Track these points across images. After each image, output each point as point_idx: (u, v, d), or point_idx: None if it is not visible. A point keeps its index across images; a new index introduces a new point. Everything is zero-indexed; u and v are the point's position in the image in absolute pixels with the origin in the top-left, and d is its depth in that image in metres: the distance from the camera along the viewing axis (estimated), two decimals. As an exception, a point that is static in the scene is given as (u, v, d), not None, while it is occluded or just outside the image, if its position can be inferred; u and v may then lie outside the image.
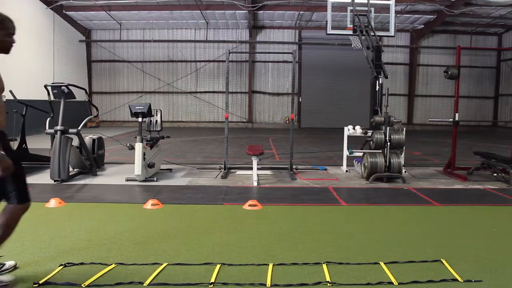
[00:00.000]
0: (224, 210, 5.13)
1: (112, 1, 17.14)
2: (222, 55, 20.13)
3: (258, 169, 7.04)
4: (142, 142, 6.67)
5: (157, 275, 3.07)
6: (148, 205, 5.11)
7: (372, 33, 8.39)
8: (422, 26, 19.78)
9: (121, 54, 20.80)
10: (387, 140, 6.90)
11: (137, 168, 6.55)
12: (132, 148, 6.94)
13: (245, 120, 20.90)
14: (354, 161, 7.92)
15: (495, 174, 7.14)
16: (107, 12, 18.02)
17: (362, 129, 7.97)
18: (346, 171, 7.92)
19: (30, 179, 6.76)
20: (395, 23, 9.25)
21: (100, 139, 7.89)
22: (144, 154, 6.68)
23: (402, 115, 20.73)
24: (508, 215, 5.09)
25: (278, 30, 20.55)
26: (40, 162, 7.67)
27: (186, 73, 20.95)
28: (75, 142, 7.24)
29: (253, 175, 6.79)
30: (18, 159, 2.91)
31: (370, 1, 8.99)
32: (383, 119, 7.01)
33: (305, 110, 20.79)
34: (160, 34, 20.62)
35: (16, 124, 7.55)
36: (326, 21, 9.28)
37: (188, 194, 5.91)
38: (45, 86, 7.37)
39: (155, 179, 6.80)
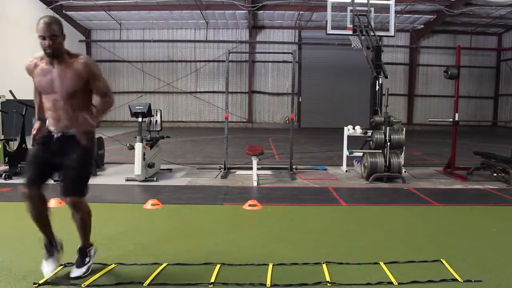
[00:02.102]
0: (224, 210, 5.13)
1: (112, 1, 17.14)
2: (222, 55, 20.14)
3: (258, 169, 7.04)
4: (142, 142, 6.67)
5: (157, 275, 3.07)
6: (148, 205, 5.10)
7: (372, 33, 8.39)
8: (422, 26, 19.79)
9: (121, 54, 20.80)
10: (387, 140, 6.90)
11: (137, 168, 6.55)
12: (132, 148, 6.93)
13: (245, 120, 20.90)
14: (354, 161, 7.92)
15: (495, 174, 7.14)
16: (107, 12, 18.02)
17: (362, 129, 7.96)
18: (346, 171, 7.92)
19: (30, 179, 6.77)
20: (395, 23, 9.25)
21: (100, 139, 7.88)
22: (144, 154, 6.68)
23: (402, 115, 20.73)
24: (508, 215, 5.08)
25: (278, 30, 20.55)
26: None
27: (186, 73, 20.96)
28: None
29: (253, 175, 6.79)
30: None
31: (370, 1, 8.99)
32: (383, 119, 7.01)
33: (305, 110, 20.80)
34: (160, 34, 20.62)
35: (16, 124, 7.55)
36: (326, 21, 9.29)
37: (188, 194, 5.91)
38: (45, 86, 7.35)
39: (155, 179, 6.80)
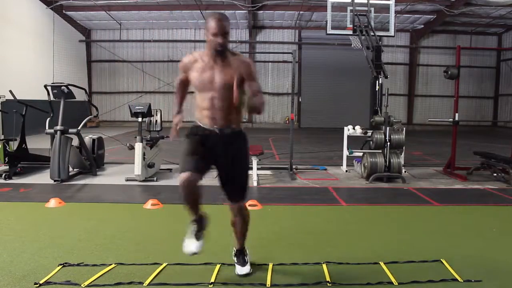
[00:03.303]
0: (224, 210, 5.11)
1: (112, 1, 17.14)
2: (222, 55, 20.10)
3: (258, 169, 7.04)
4: (142, 142, 6.67)
5: (157, 275, 3.07)
6: (148, 205, 5.10)
7: (372, 33, 8.40)
8: (422, 26, 19.79)
9: (121, 54, 20.80)
10: (387, 140, 6.90)
11: (137, 168, 6.55)
12: (132, 148, 6.94)
13: (245, 120, 20.89)
14: (354, 161, 7.92)
15: (495, 174, 7.14)
16: (107, 12, 18.01)
17: (362, 129, 7.96)
18: (346, 171, 7.92)
19: (30, 179, 6.81)
20: (395, 23, 9.26)
21: (100, 139, 7.88)
22: (144, 154, 6.68)
23: (402, 115, 20.72)
24: (508, 215, 5.08)
25: (278, 30, 20.54)
26: (40, 162, 7.67)
27: (186, 73, 20.93)
28: (75, 142, 7.24)
29: (253, 175, 6.79)
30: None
31: (370, 1, 9.00)
32: (383, 119, 7.01)
33: (305, 110, 20.79)
34: (160, 34, 20.62)
35: (16, 124, 7.56)
36: (326, 21, 9.29)
37: (188, 194, 5.90)
38: (45, 86, 7.37)
39: (155, 179, 6.80)
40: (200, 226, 3.04)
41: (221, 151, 2.93)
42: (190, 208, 2.94)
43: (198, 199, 2.91)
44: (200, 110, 2.99)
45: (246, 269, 3.11)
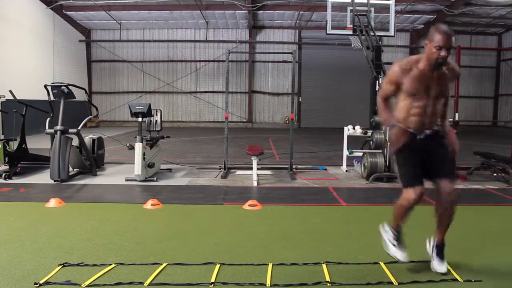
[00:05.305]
0: (224, 210, 5.13)
1: (112, 1, 17.15)
2: (222, 55, 20.14)
3: (258, 169, 7.04)
4: (142, 142, 6.67)
5: (157, 275, 3.07)
6: (148, 205, 5.10)
7: (372, 33, 8.40)
8: (422, 26, 19.79)
9: (121, 54, 20.81)
10: (387, 140, 6.89)
11: (137, 168, 6.55)
12: (132, 148, 6.94)
13: (245, 120, 20.90)
14: (354, 161, 7.92)
15: (495, 174, 7.14)
16: (107, 12, 18.02)
17: (362, 129, 7.96)
18: (346, 171, 7.92)
19: (30, 179, 6.81)
20: (395, 23, 9.27)
21: (100, 139, 7.88)
22: (144, 154, 6.68)
23: (402, 115, 20.68)
24: (508, 215, 5.08)
25: (278, 30, 20.56)
26: (40, 162, 7.67)
27: (186, 73, 20.96)
28: (75, 142, 7.24)
29: (253, 175, 6.79)
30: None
31: (370, 1, 9.00)
32: (383, 119, 7.00)
33: (305, 110, 20.80)
34: (160, 34, 20.63)
35: (16, 124, 7.56)
36: (326, 21, 9.29)
37: (188, 194, 5.91)
38: (45, 86, 7.37)
39: (155, 179, 6.80)
40: (400, 234, 3.29)
41: (431, 150, 3.11)
42: (401, 220, 3.27)
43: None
44: (408, 115, 3.10)
45: (444, 267, 3.12)
